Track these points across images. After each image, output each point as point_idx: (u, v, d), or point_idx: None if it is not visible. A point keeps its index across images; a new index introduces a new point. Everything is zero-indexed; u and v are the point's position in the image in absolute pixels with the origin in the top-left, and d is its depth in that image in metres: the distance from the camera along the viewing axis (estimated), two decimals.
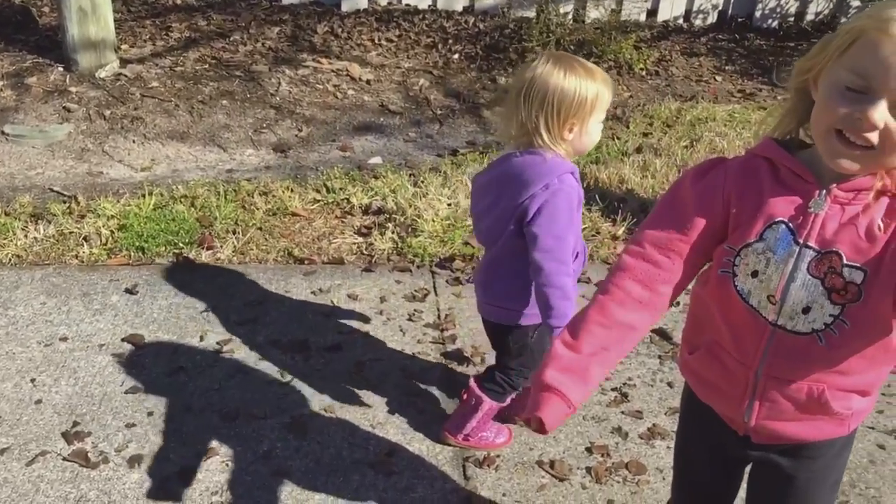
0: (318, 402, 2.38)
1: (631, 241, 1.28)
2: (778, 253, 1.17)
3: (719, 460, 1.47)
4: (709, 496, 1.56)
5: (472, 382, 2.20)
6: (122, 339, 2.58)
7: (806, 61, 1.18)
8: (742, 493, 1.55)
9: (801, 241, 1.16)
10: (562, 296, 1.86)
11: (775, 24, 5.82)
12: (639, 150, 4.05)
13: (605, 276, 1.28)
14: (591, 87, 1.86)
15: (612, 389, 2.49)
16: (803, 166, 1.18)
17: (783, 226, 1.17)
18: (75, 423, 2.24)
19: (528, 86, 1.87)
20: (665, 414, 2.39)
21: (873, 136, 1.08)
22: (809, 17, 5.78)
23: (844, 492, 2.13)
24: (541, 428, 1.17)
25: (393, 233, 3.26)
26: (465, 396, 2.26)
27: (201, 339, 2.62)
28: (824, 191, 1.16)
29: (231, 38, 4.91)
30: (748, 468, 1.49)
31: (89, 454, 2.14)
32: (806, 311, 1.17)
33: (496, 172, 2.00)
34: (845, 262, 1.14)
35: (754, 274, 1.20)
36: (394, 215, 3.37)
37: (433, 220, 3.32)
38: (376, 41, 5.16)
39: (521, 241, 1.94)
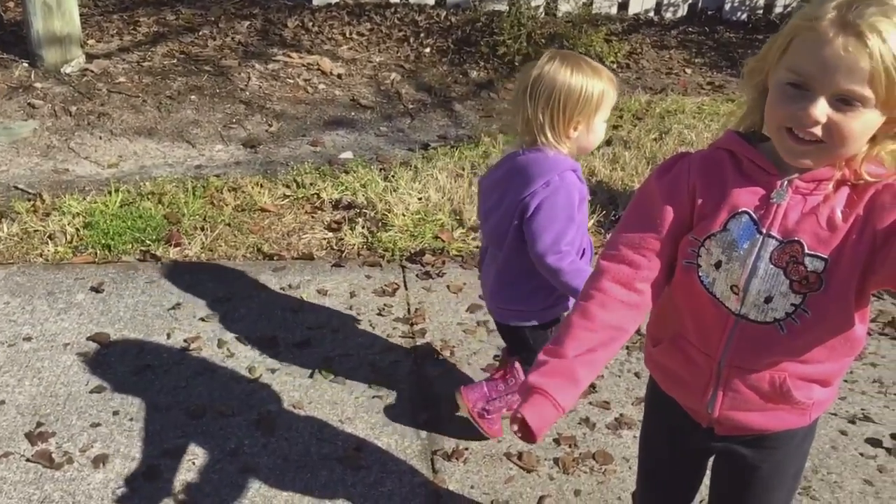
0: (287, 398, 2.37)
1: (606, 246, 1.29)
2: (741, 242, 1.18)
3: (683, 452, 1.49)
4: (673, 487, 1.57)
5: (518, 364, 2.19)
6: (88, 338, 2.56)
7: (756, 62, 1.20)
8: (706, 483, 1.57)
9: (763, 230, 1.17)
10: (580, 277, 1.85)
11: (744, 16, 5.87)
12: (608, 142, 4.07)
13: (585, 284, 1.28)
14: (597, 86, 1.88)
15: None
16: (765, 158, 1.20)
17: (746, 216, 1.18)
18: (39, 424, 2.21)
19: (535, 83, 1.88)
20: (632, 404, 2.41)
21: (818, 131, 1.10)
22: (778, 9, 5.83)
23: (807, 477, 2.16)
24: (526, 431, 1.16)
25: (363, 228, 3.25)
26: (499, 375, 2.25)
27: (168, 336, 2.60)
28: (786, 181, 1.17)
29: (200, 33, 4.87)
30: (711, 459, 1.51)
31: (53, 455, 2.12)
32: (768, 300, 1.19)
33: (502, 171, 2.01)
34: (807, 251, 1.15)
35: (718, 265, 1.21)
36: (364, 210, 3.36)
37: (403, 215, 3.31)
38: (347, 35, 5.13)
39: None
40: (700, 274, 1.23)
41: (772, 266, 1.17)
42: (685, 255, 1.24)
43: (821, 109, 1.07)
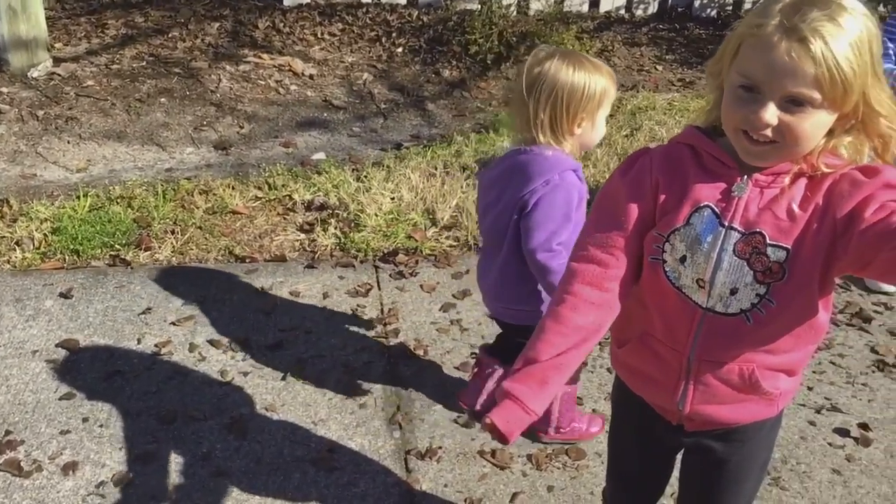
0: (259, 401, 2.36)
1: (574, 247, 1.30)
2: (704, 236, 1.20)
3: (652, 449, 1.50)
4: (642, 483, 1.59)
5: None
6: (57, 345, 2.53)
7: (713, 65, 1.22)
8: (676, 477, 1.58)
9: (726, 223, 1.19)
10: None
11: (714, 13, 5.93)
12: None
13: (558, 286, 1.29)
14: (599, 82, 1.88)
15: None
16: (724, 152, 1.21)
17: (709, 209, 1.20)
18: (7, 432, 2.19)
19: (535, 82, 1.87)
20: (605, 399, 2.43)
21: (770, 133, 1.12)
22: (747, 5, 5.89)
23: (776, 468, 2.19)
24: (497, 434, 1.19)
25: (335, 228, 3.24)
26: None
27: (139, 341, 2.57)
28: (746, 175, 1.19)
29: (170, 35, 4.83)
30: (680, 454, 1.52)
31: (22, 463, 2.09)
32: (734, 292, 1.21)
33: (501, 168, 2.00)
34: (769, 241, 1.17)
35: (683, 259, 1.22)
36: (336, 211, 3.35)
37: (376, 215, 3.31)
38: (319, 35, 5.12)
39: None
40: (666, 269, 1.25)
41: (735, 258, 1.19)
42: (651, 252, 1.25)
43: (771, 113, 1.09)
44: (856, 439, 2.30)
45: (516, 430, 1.19)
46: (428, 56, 5.02)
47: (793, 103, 1.09)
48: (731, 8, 5.92)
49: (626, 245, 1.25)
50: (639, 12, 5.89)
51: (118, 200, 3.30)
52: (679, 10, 5.91)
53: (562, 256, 1.88)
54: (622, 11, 5.89)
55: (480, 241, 2.15)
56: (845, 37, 1.05)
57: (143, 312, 2.71)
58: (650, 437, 1.45)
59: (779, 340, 1.24)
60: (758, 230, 1.17)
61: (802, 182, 1.17)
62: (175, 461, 2.13)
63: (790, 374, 1.31)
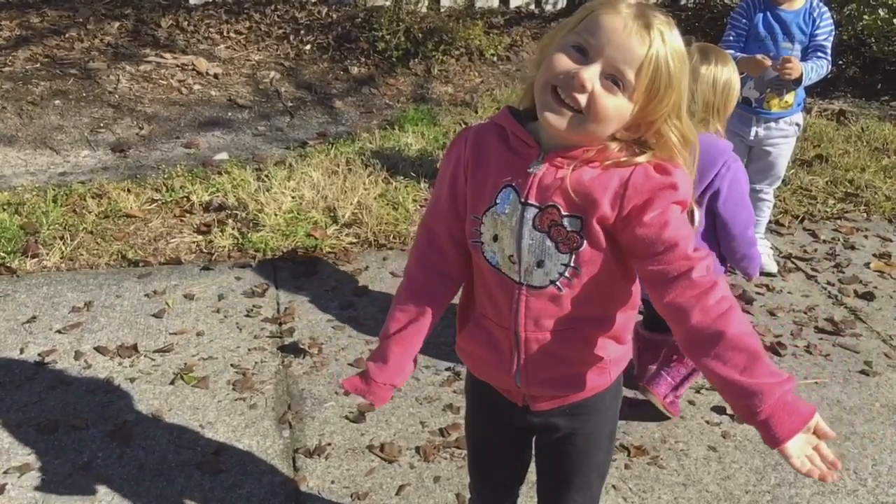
0: (146, 406, 2.33)
1: (422, 218, 1.42)
2: (508, 214, 1.26)
3: (507, 435, 1.53)
4: (501, 470, 1.61)
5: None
6: None
7: (547, 38, 1.26)
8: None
9: (523, 199, 1.25)
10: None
11: None
12: None
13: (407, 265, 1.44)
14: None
15: (446, 369, 2.55)
16: (528, 134, 1.27)
17: (510, 188, 1.26)
18: None
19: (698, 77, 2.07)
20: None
21: (582, 99, 1.17)
22: (652, 0, 6.03)
23: (655, 447, 2.26)
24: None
25: (233, 229, 3.21)
26: (675, 360, 2.33)
27: (21, 351, 2.50)
28: (542, 154, 1.25)
29: (66, 35, 4.69)
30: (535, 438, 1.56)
31: None
32: (540, 264, 1.27)
33: None
34: (563, 213, 1.23)
35: (495, 238, 1.29)
36: (235, 211, 3.31)
37: (276, 214, 3.29)
38: (225, 34, 5.04)
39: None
40: (483, 250, 1.31)
41: (536, 232, 1.25)
42: (471, 235, 1.32)
43: (591, 74, 1.15)
44: (731, 416, 2.40)
45: (369, 395, 1.39)
46: (336, 53, 5.00)
47: (611, 80, 1.16)
48: None
49: (446, 223, 1.36)
50: (548, 7, 5.99)
51: (5, 207, 3.20)
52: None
53: (752, 228, 2.17)
54: (532, 7, 5.97)
55: None
56: (677, 47, 1.18)
57: (28, 321, 2.64)
58: (502, 422, 1.49)
59: (593, 303, 1.30)
60: (551, 203, 1.23)
61: (595, 165, 1.23)
62: (53, 471, 2.08)
63: (619, 342, 1.38)
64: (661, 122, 1.21)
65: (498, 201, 1.26)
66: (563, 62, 1.17)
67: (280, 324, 2.73)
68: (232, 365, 2.51)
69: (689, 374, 2.35)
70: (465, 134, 1.33)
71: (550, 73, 1.19)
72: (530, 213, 1.24)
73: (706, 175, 2.03)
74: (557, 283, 1.27)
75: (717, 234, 2.13)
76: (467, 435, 1.63)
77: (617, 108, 1.16)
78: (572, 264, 1.25)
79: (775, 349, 2.72)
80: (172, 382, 2.42)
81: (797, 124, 3.08)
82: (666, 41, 1.16)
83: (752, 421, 1.13)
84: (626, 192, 1.20)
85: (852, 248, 3.49)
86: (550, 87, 1.19)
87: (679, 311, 1.19)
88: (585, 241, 1.23)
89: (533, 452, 1.59)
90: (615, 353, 1.37)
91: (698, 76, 2.07)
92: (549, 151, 1.24)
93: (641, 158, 1.21)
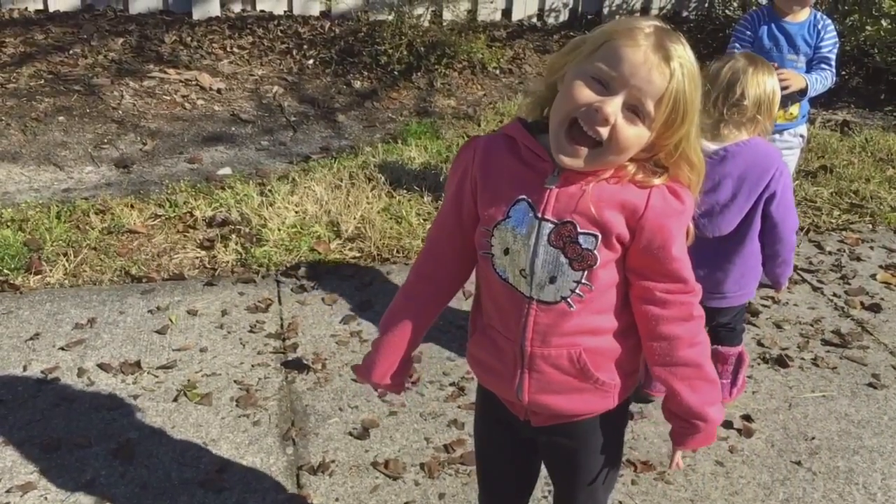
0: (149, 424, 2.31)
1: (430, 229, 1.45)
2: (521, 228, 1.26)
3: (511, 445, 1.53)
4: (507, 481, 1.61)
5: (722, 349, 2.36)
6: None
7: (559, 58, 1.26)
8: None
9: (539, 214, 1.24)
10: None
11: None
12: None
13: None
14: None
15: (451, 384, 2.54)
16: (541, 147, 1.26)
17: (524, 202, 1.26)
18: None
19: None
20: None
21: (604, 131, 1.16)
22: (654, 11, 6.05)
23: (662, 462, 2.23)
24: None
25: (237, 244, 3.20)
26: (721, 366, 2.38)
27: (24, 368, 2.50)
28: (557, 169, 1.24)
29: (71, 52, 4.71)
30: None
31: None
32: (552, 280, 1.26)
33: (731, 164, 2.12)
34: (580, 230, 1.23)
35: (506, 251, 1.28)
36: (238, 226, 3.31)
37: (279, 229, 3.28)
38: (228, 49, 5.06)
39: (750, 227, 2.16)
40: (494, 262, 1.30)
41: (551, 248, 1.25)
42: (481, 246, 1.31)
43: (614, 107, 1.16)
44: (739, 431, 2.38)
45: (363, 377, 1.49)
46: (339, 67, 5.02)
47: (632, 111, 1.16)
48: (638, 14, 6.07)
49: (447, 234, 1.38)
50: (550, 20, 5.99)
51: (8, 223, 3.20)
52: (589, 17, 6.03)
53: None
54: (534, 20, 5.98)
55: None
56: (693, 71, 1.19)
57: (31, 338, 2.63)
58: (506, 432, 1.49)
59: (602, 322, 1.31)
60: (568, 220, 1.23)
61: (612, 181, 1.23)
62: (56, 490, 2.07)
63: (625, 367, 1.36)
64: (675, 145, 1.21)
65: (511, 215, 1.26)
66: (585, 94, 1.17)
67: (283, 339, 2.72)
68: (235, 381, 2.50)
69: (739, 366, 2.44)
70: (473, 144, 1.32)
71: (572, 105, 1.18)
72: (546, 228, 1.24)
73: (762, 179, 2.10)
74: (569, 299, 1.27)
75: (764, 238, 2.19)
76: (476, 447, 1.63)
77: (638, 136, 1.18)
78: (584, 281, 1.25)
79: (782, 361, 2.70)
80: (175, 399, 2.41)
81: (802, 136, 3.07)
82: (685, 70, 1.17)
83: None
84: (644, 213, 1.21)
85: (858, 259, 3.47)
86: (569, 122, 1.19)
87: (661, 332, 1.30)
88: (599, 259, 1.23)
89: (541, 465, 1.59)
90: (620, 377, 1.36)
91: (748, 79, 2.13)
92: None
93: (658, 181, 1.22)
